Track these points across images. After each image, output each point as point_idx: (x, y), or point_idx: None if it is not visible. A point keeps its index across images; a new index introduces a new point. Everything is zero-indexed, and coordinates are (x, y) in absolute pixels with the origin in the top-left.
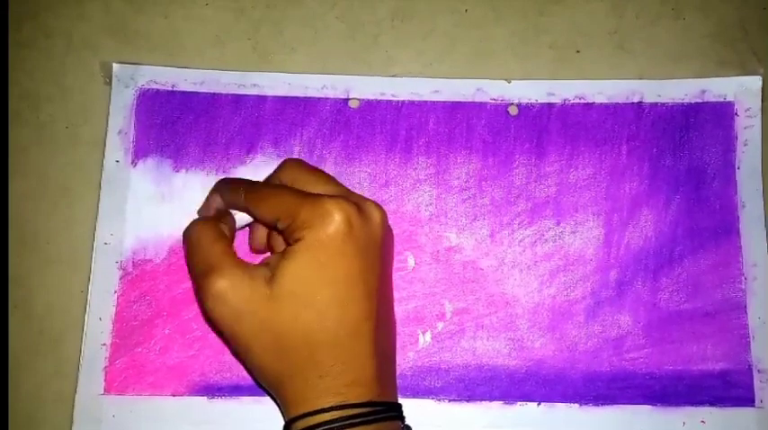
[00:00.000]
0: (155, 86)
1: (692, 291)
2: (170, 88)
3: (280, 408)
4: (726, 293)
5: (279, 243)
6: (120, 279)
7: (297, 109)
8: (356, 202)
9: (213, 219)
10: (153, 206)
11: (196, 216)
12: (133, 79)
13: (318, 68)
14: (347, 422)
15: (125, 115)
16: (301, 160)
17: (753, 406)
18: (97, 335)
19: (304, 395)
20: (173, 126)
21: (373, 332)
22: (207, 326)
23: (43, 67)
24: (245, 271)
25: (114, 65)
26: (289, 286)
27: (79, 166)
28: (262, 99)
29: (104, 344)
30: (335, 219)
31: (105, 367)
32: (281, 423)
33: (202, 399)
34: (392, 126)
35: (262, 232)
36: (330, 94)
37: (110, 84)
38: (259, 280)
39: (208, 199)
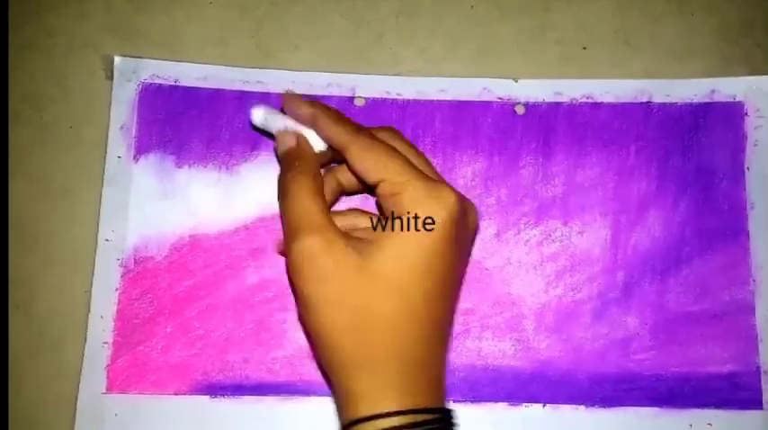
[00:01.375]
0: (157, 81)
1: (699, 292)
2: (173, 83)
3: (337, 404)
4: (734, 295)
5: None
6: (122, 276)
7: None
8: (464, 199)
9: (311, 170)
10: (155, 202)
11: (199, 214)
12: (135, 73)
13: (322, 66)
14: (419, 427)
15: (127, 110)
16: (401, 132)
17: (761, 408)
18: (98, 333)
19: (376, 391)
20: (176, 121)
21: (449, 334)
22: (209, 324)
23: (45, 67)
24: (343, 235)
25: (116, 58)
26: (387, 265)
27: (82, 166)
28: (266, 96)
29: (106, 343)
30: (450, 206)
31: (107, 366)
32: (282, 422)
33: (204, 399)
34: (398, 125)
35: (334, 186)
36: (335, 91)
37: (111, 78)
38: (355, 249)
39: (301, 103)
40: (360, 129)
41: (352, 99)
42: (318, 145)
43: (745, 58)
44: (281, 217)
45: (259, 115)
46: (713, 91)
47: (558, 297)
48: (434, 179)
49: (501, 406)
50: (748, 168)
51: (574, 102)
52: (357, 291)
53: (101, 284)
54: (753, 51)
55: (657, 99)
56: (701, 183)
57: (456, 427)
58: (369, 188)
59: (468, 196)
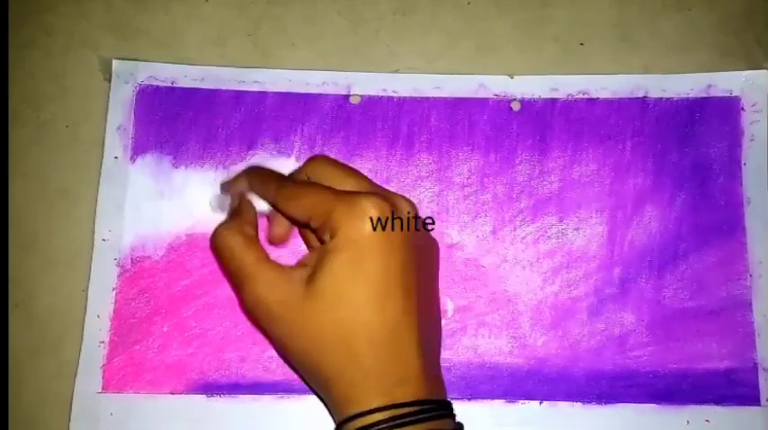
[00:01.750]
0: (154, 83)
1: (696, 288)
2: (170, 84)
3: (329, 411)
4: (731, 291)
5: (311, 238)
6: (119, 276)
7: (297, 105)
8: (388, 198)
9: (239, 224)
10: (152, 202)
11: (195, 213)
12: (132, 75)
13: (320, 65)
14: (398, 421)
15: (124, 111)
16: (328, 156)
17: (758, 405)
18: (95, 332)
19: (351, 396)
20: (172, 122)
21: (416, 329)
22: (206, 323)
23: (44, 66)
24: (280, 274)
25: (114, 61)
26: (326, 286)
27: (79, 166)
28: (262, 95)
29: (102, 342)
30: (370, 216)
31: (103, 365)
32: (278, 421)
33: (201, 398)
34: (393, 122)
35: (283, 225)
36: (331, 90)
37: (109, 80)
38: (296, 282)
39: (234, 180)
40: (282, 180)
41: (347, 97)
42: (261, 207)
43: (745, 54)
44: (222, 272)
45: (213, 204)
46: (709, 86)
47: (554, 294)
48: (351, 194)
49: (498, 403)
50: (745, 163)
51: (570, 98)
52: (308, 318)
53: (97, 284)
54: (752, 47)
55: (653, 94)
56: (698, 178)
57: (447, 417)
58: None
59: (463, 193)
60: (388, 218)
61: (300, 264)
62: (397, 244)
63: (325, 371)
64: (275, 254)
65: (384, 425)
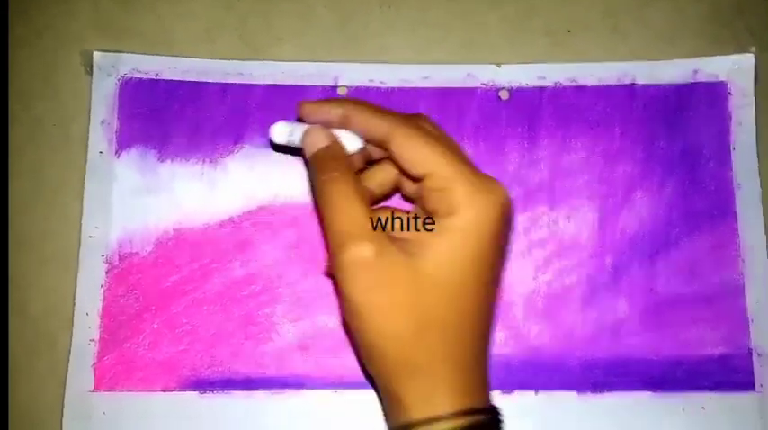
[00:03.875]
0: (137, 75)
1: (688, 275)
2: (153, 77)
3: (384, 409)
4: (723, 277)
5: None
6: (107, 273)
7: (285, 97)
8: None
9: (348, 170)
10: (138, 198)
11: (182, 208)
12: (115, 68)
13: (308, 59)
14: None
15: (107, 105)
16: (434, 122)
17: (753, 390)
18: (85, 330)
19: (430, 394)
20: (157, 116)
21: (493, 332)
22: (196, 319)
23: (33, 65)
24: (390, 241)
25: (95, 53)
26: (441, 266)
27: (69, 164)
28: (249, 88)
29: (92, 340)
30: (501, 204)
31: (94, 364)
32: (272, 416)
33: (193, 394)
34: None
35: (382, 174)
36: (318, 81)
37: (91, 73)
38: (404, 251)
39: (323, 105)
40: (402, 118)
41: (335, 88)
42: (353, 145)
43: (735, 40)
44: (322, 223)
45: (279, 132)
46: (696, 71)
47: (546, 283)
48: (483, 174)
49: (493, 394)
50: (734, 148)
51: (558, 85)
52: (411, 295)
53: (85, 281)
54: (742, 35)
55: (641, 81)
56: (688, 164)
57: (503, 425)
58: (402, 187)
59: None
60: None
61: (399, 235)
62: (508, 239)
63: (403, 360)
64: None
65: None
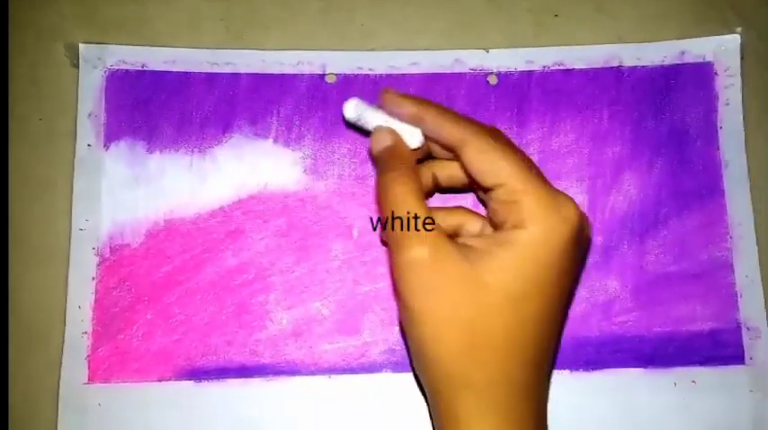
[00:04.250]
0: (124, 66)
1: (678, 252)
2: (140, 68)
3: (435, 423)
4: (712, 253)
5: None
6: (98, 265)
7: (272, 86)
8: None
9: (410, 170)
10: (128, 189)
11: (172, 199)
12: (101, 59)
13: (294, 47)
14: None
15: (94, 97)
16: (505, 133)
17: (743, 363)
18: (77, 323)
19: (481, 416)
20: (144, 107)
21: (555, 360)
22: (189, 309)
23: (15, 60)
24: (452, 245)
25: (81, 45)
26: (502, 278)
27: (56, 159)
28: (236, 77)
29: (85, 333)
30: (573, 222)
31: (88, 356)
32: (268, 403)
33: (189, 383)
34: (371, 100)
35: (438, 171)
36: (306, 69)
37: (77, 66)
38: (466, 258)
39: (401, 99)
40: (477, 127)
41: (323, 76)
42: (414, 141)
43: (720, 19)
44: (383, 221)
45: (352, 109)
46: (683, 52)
47: None
48: (554, 189)
49: None
50: (721, 127)
51: (546, 69)
52: (469, 305)
53: (77, 274)
54: (727, 12)
55: (628, 63)
56: (675, 144)
57: None
58: (473, 188)
59: None
60: (582, 227)
61: (465, 241)
62: (579, 261)
63: (456, 373)
64: None
65: None
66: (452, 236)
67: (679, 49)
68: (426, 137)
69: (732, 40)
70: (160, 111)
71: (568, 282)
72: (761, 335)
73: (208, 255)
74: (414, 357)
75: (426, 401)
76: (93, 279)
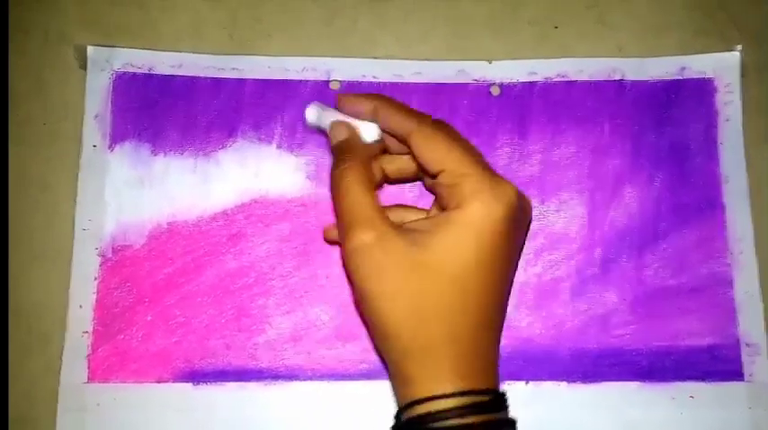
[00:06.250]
0: (131, 70)
1: (677, 266)
2: (147, 71)
3: (394, 387)
4: (711, 268)
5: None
6: (100, 265)
7: (277, 92)
8: (518, 189)
9: (362, 161)
10: (132, 191)
11: (176, 201)
12: (108, 62)
13: (297, 53)
14: (475, 409)
15: (101, 99)
16: (454, 128)
17: (741, 380)
18: (78, 323)
19: (433, 375)
20: (150, 110)
21: (502, 322)
22: (190, 311)
23: (20, 64)
24: (395, 228)
25: (89, 47)
26: (442, 258)
27: (59, 162)
28: (241, 82)
29: (86, 332)
30: (509, 201)
31: (88, 355)
32: (265, 407)
33: (187, 386)
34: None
35: (393, 164)
36: (310, 76)
37: (85, 68)
38: (408, 240)
39: (356, 99)
40: (423, 117)
41: (327, 83)
42: (371, 136)
43: (719, 33)
44: (334, 210)
45: (312, 113)
46: (684, 68)
47: (537, 275)
48: (494, 173)
49: None
50: (721, 143)
51: (548, 81)
52: (412, 282)
53: (79, 274)
54: (727, 25)
55: (630, 77)
56: (676, 158)
57: (508, 408)
58: (419, 176)
59: None
60: (519, 206)
61: (409, 225)
62: (518, 237)
63: (417, 343)
64: None
65: (464, 411)
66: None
67: (680, 64)
68: (384, 132)
69: (732, 57)
70: (166, 114)
71: (508, 255)
72: (760, 352)
73: (209, 258)
74: (370, 331)
75: None
76: (95, 279)
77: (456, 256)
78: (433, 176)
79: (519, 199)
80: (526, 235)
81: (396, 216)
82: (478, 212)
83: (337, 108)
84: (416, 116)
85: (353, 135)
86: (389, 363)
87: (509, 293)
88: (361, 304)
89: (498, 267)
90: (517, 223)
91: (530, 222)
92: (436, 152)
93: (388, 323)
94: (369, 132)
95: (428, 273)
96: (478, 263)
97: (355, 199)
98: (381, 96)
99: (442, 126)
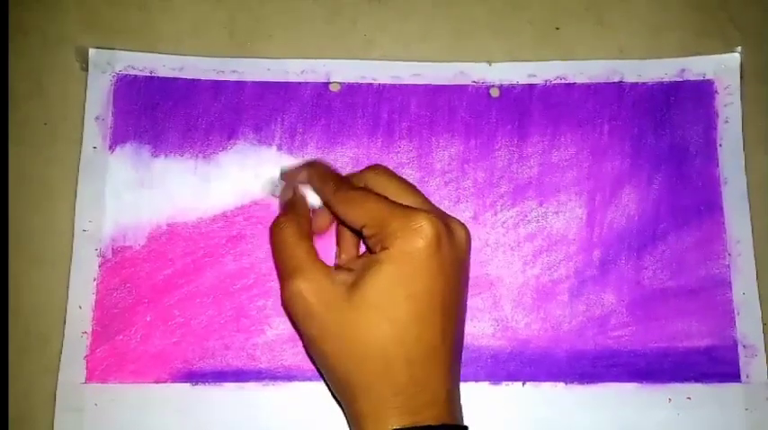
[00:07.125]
0: (132, 72)
1: (675, 268)
2: (148, 74)
3: (349, 423)
4: (710, 270)
5: (346, 240)
6: (100, 266)
7: (277, 94)
8: (444, 219)
9: (298, 217)
10: (132, 192)
11: (176, 203)
12: (110, 64)
13: (297, 55)
14: None
15: (102, 101)
16: (388, 168)
17: (739, 381)
18: (77, 323)
19: (378, 411)
20: (151, 112)
21: (450, 352)
22: (189, 312)
23: (20, 65)
24: (326, 274)
25: (90, 50)
26: (370, 296)
27: (59, 163)
28: (241, 84)
29: (85, 333)
30: (426, 233)
31: (86, 355)
32: (264, 408)
33: (185, 386)
34: (374, 109)
35: (325, 218)
36: (310, 78)
37: (86, 69)
38: (340, 285)
39: (294, 171)
40: (341, 182)
41: (327, 85)
42: (315, 200)
43: (720, 33)
44: (273, 260)
45: (265, 185)
46: (683, 70)
47: (535, 276)
48: (410, 209)
49: (482, 385)
50: (721, 144)
51: (548, 83)
52: (348, 324)
53: (79, 274)
54: (727, 26)
55: (629, 79)
56: (675, 160)
57: None
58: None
59: (444, 179)
60: (441, 238)
61: (346, 267)
62: (446, 265)
63: (356, 382)
64: None
65: None
66: (342, 264)
67: (680, 66)
68: None
69: (732, 59)
70: (166, 116)
71: (438, 284)
72: (757, 354)
73: (208, 260)
74: (319, 371)
75: None
76: (95, 280)
77: (384, 292)
78: (359, 231)
79: (436, 228)
80: (463, 260)
81: (347, 251)
82: (399, 248)
83: (281, 178)
84: (335, 182)
85: (297, 194)
86: (341, 402)
87: (458, 321)
88: (305, 348)
89: (429, 297)
90: (442, 250)
91: (467, 246)
92: (353, 213)
93: (329, 364)
94: (313, 197)
95: (360, 311)
96: (408, 296)
97: (287, 249)
98: (311, 163)
99: (369, 174)
